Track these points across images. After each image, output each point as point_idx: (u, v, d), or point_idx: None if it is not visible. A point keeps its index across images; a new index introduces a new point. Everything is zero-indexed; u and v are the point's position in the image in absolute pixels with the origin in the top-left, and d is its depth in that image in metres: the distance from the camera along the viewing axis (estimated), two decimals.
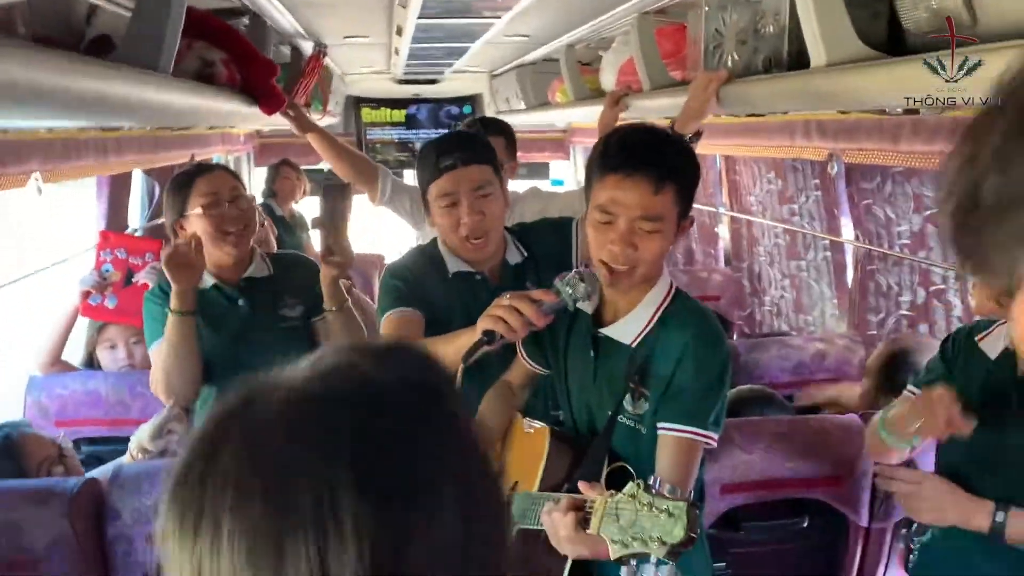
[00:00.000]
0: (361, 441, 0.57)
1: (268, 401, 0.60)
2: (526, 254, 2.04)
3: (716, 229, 4.32)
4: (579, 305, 1.59)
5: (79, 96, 1.06)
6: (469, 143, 1.97)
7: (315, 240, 5.38)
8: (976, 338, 1.69)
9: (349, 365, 0.62)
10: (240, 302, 2.16)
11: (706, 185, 4.29)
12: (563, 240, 2.10)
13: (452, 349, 1.57)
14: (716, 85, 2.08)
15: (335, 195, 2.02)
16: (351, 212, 2.04)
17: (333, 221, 1.98)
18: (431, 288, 1.93)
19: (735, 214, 3.94)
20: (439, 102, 6.19)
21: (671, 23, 2.75)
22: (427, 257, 2.00)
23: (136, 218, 3.69)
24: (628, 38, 2.86)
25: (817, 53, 1.62)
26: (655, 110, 2.78)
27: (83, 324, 2.75)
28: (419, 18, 2.47)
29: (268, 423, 0.58)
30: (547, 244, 2.08)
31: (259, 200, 4.96)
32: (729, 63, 2.17)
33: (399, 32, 2.89)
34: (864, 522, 2.03)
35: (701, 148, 3.91)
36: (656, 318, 1.59)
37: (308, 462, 0.56)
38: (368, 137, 6.25)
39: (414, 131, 6.29)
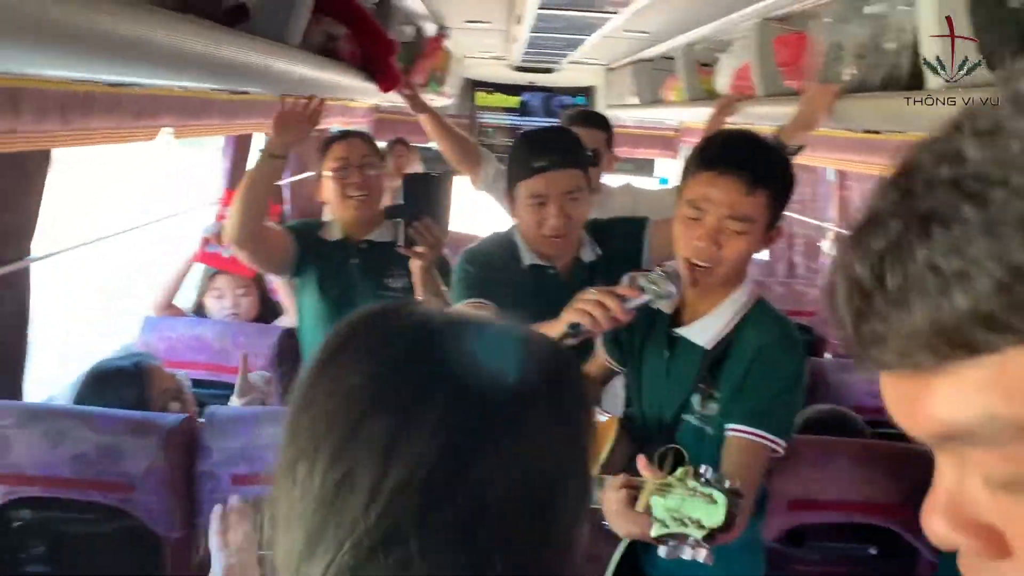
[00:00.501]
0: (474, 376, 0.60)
1: (400, 315, 0.64)
2: (599, 252, 2.05)
3: (820, 243, 4.22)
4: (660, 304, 1.59)
5: (215, 61, 1.16)
6: (563, 144, 1.96)
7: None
8: None
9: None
10: (354, 261, 2.33)
11: (816, 198, 4.20)
12: (634, 240, 2.10)
13: None
14: (829, 99, 2.05)
15: (416, 185, 2.05)
16: (445, 199, 2.06)
17: (413, 211, 2.01)
18: (504, 276, 1.94)
19: (842, 230, 3.84)
20: (553, 91, 6.22)
21: (792, 31, 2.71)
22: (504, 245, 2.01)
23: None
24: (747, 42, 2.82)
25: (937, 78, 1.58)
26: (766, 117, 2.74)
27: (194, 274, 2.93)
28: (540, 8, 2.51)
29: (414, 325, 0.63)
30: (619, 243, 2.09)
31: None
32: (846, 77, 2.13)
33: (519, 20, 2.94)
34: (935, 558, 1.97)
35: (814, 160, 3.84)
36: (734, 322, 1.61)
37: (432, 373, 0.59)
38: (480, 120, 6.35)
39: (526, 118, 6.34)
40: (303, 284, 2.39)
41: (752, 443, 1.53)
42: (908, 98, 1.68)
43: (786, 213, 1.63)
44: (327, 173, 2.34)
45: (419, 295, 2.11)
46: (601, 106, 6.06)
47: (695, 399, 1.63)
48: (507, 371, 0.61)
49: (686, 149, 6.05)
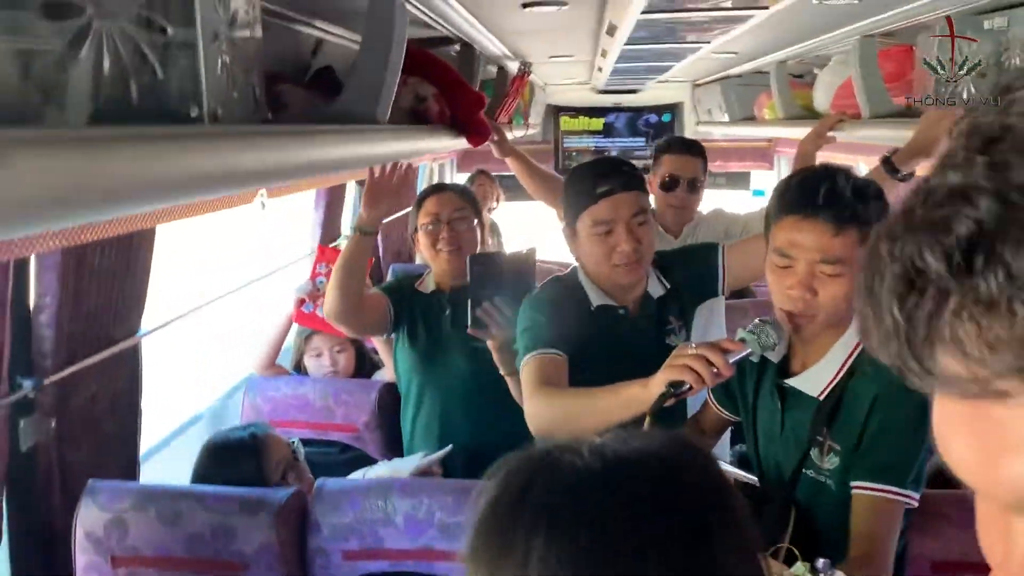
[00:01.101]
0: (666, 515, 0.64)
1: (578, 453, 0.67)
2: (668, 286, 1.94)
3: None
4: (765, 354, 1.53)
5: (313, 161, 1.14)
6: (624, 168, 1.88)
7: (507, 246, 5.51)
8: None
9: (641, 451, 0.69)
10: (447, 312, 2.33)
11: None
12: (708, 268, 1.98)
13: (618, 400, 1.51)
14: (949, 124, 1.89)
15: (480, 266, 2.04)
16: (520, 274, 2.07)
17: (479, 291, 2.02)
18: (572, 321, 1.83)
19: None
20: (639, 110, 6.12)
21: (896, 44, 2.55)
22: (568, 288, 1.91)
23: (349, 226, 3.93)
24: (847, 58, 2.68)
25: None
26: (873, 139, 2.59)
27: (293, 332, 2.96)
28: (626, 44, 2.45)
29: (579, 471, 0.66)
30: (690, 274, 1.99)
31: None
32: (965, 95, 1.99)
33: (604, 54, 2.88)
34: None
35: (922, 170, 3.62)
36: (845, 368, 1.51)
37: (620, 517, 0.63)
38: (565, 145, 6.30)
39: (611, 139, 6.26)
40: (399, 338, 2.42)
41: (883, 500, 1.43)
42: None
43: None
44: (420, 226, 2.37)
45: (503, 371, 2.09)
46: (689, 123, 5.93)
47: (815, 452, 1.54)
48: (690, 512, 0.66)
49: (783, 160, 5.84)
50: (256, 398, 2.70)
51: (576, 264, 1.94)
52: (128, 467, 2.04)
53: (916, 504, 1.46)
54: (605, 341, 1.86)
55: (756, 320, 1.50)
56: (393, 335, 2.43)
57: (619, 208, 1.79)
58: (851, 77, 2.60)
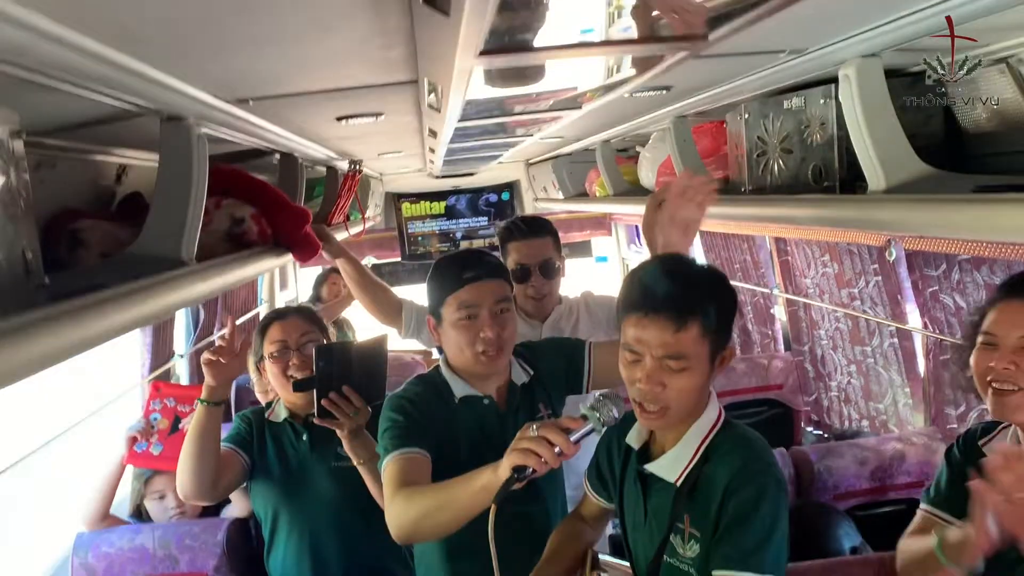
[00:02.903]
0: None
1: None
2: (532, 373, 1.97)
3: (772, 310, 4.17)
4: (627, 441, 1.56)
5: (111, 327, 1.02)
6: (489, 259, 1.92)
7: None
8: (980, 442, 1.64)
9: None
10: (303, 437, 2.26)
11: (757, 264, 4.16)
12: (572, 364, 2.02)
13: (470, 490, 1.48)
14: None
15: (325, 356, 2.02)
16: (369, 362, 2.05)
17: (325, 382, 2.00)
18: (436, 417, 1.82)
19: (790, 296, 3.79)
20: (478, 191, 6.18)
21: (710, 120, 2.66)
22: (429, 384, 1.90)
23: (182, 344, 3.68)
24: (664, 135, 2.78)
25: (875, 177, 1.51)
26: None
27: (128, 477, 2.70)
28: (450, 143, 2.43)
29: None
30: (554, 363, 2.01)
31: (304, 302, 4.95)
32: (776, 171, 2.08)
33: (432, 150, 2.86)
34: None
35: (748, 229, 3.80)
36: (700, 452, 1.52)
37: None
38: (409, 231, 6.26)
39: (454, 220, 6.27)
40: (255, 477, 2.27)
41: None
42: (849, 204, 1.62)
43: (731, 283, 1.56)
44: (268, 355, 2.25)
45: (353, 461, 2.06)
46: (527, 200, 6.04)
47: (676, 540, 1.53)
48: None
49: (621, 227, 6.04)
50: (87, 556, 2.41)
51: (438, 358, 1.94)
52: None
53: None
54: (471, 433, 1.85)
55: (597, 395, 1.49)
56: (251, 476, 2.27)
57: (483, 293, 1.82)
58: (670, 155, 2.69)
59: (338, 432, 2.03)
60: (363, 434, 2.05)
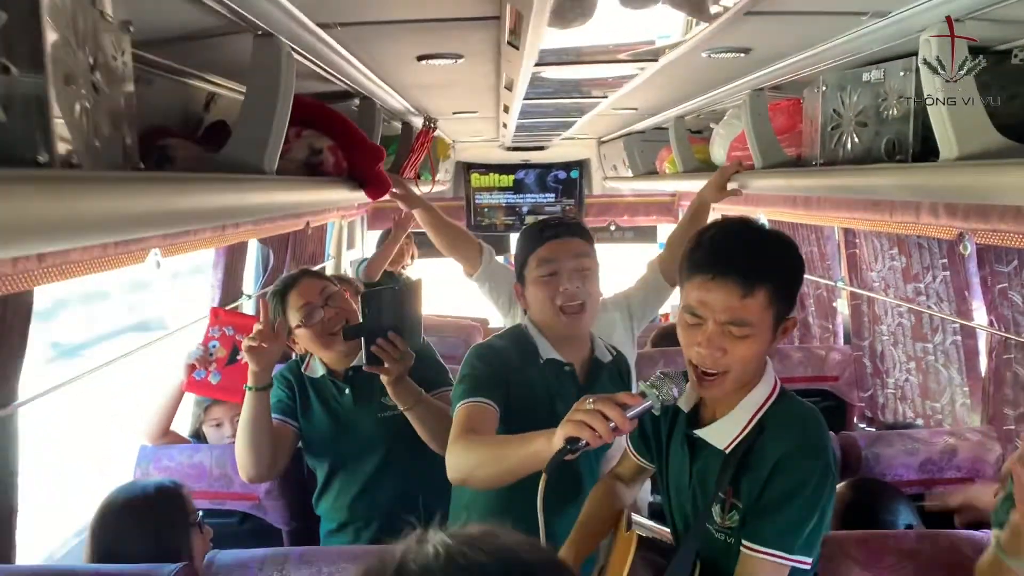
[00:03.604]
0: None
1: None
2: (614, 353, 2.02)
3: (834, 303, 4.11)
4: (677, 403, 1.50)
5: (193, 209, 1.09)
6: (570, 221, 2.00)
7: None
8: None
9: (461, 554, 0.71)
10: (346, 391, 2.26)
11: (824, 256, 4.10)
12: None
13: (523, 452, 1.48)
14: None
15: (373, 301, 2.02)
16: (410, 308, 2.05)
17: (373, 329, 1.99)
18: (518, 372, 1.86)
19: (855, 289, 3.74)
20: (547, 167, 6.22)
21: (786, 98, 2.65)
22: (518, 340, 1.95)
23: (251, 286, 3.81)
24: (740, 111, 2.77)
25: (948, 145, 1.50)
26: (767, 189, 2.67)
27: (191, 396, 2.82)
28: (525, 99, 2.47)
29: None
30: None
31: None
32: (849, 145, 2.06)
33: (506, 109, 2.90)
34: None
35: (817, 219, 3.75)
36: (753, 423, 1.50)
37: None
38: (477, 202, 6.33)
39: (521, 195, 6.33)
40: (305, 432, 2.30)
41: (769, 564, 1.42)
42: (920, 171, 1.61)
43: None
44: (294, 326, 2.23)
45: (400, 407, 2.08)
46: (596, 178, 6.05)
47: (716, 509, 1.52)
48: None
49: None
50: (149, 468, 2.54)
51: (497, 327, 1.97)
52: (4, 555, 1.87)
53: (808, 567, 1.45)
54: (551, 395, 1.87)
55: (658, 372, 1.46)
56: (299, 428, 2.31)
57: (562, 250, 1.91)
58: (744, 130, 2.69)
59: (383, 379, 2.04)
60: (407, 380, 2.06)
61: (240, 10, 1.27)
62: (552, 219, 1.99)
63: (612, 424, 1.36)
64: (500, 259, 2.89)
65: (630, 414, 1.38)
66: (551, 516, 1.39)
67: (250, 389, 2.06)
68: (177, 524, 1.94)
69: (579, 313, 1.89)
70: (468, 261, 2.76)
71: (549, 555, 0.78)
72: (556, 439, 1.39)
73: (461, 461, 1.63)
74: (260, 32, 1.45)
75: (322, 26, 1.51)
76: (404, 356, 2.02)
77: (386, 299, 2.04)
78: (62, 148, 0.85)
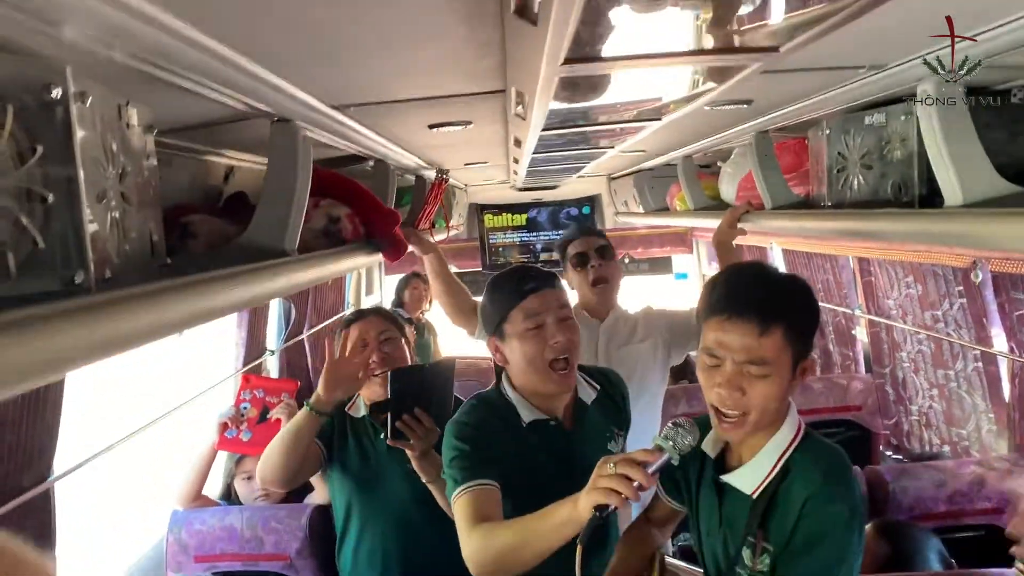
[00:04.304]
0: None
1: None
2: (599, 387, 1.95)
3: (853, 331, 4.11)
4: (704, 448, 1.55)
5: (221, 305, 1.13)
6: (542, 271, 1.90)
7: (442, 345, 5.49)
8: None
9: None
10: (382, 436, 2.27)
11: (840, 285, 4.11)
12: (623, 399, 2.02)
13: (551, 525, 1.47)
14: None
15: (401, 378, 2.07)
16: (439, 385, 2.09)
17: (399, 404, 2.04)
18: (503, 444, 1.77)
19: (873, 317, 3.74)
20: (560, 204, 6.28)
21: (791, 137, 2.68)
22: (491, 408, 1.85)
23: (273, 341, 3.87)
24: (746, 150, 2.80)
25: (952, 192, 1.52)
26: (777, 229, 2.70)
27: (221, 458, 2.87)
28: (534, 153, 2.52)
29: None
30: (618, 387, 2.02)
31: (387, 306, 5.12)
32: (855, 186, 2.09)
33: (516, 160, 2.95)
34: None
35: (827, 247, 3.76)
36: (779, 466, 1.51)
37: None
38: (491, 242, 6.39)
39: (535, 233, 6.38)
40: (333, 469, 2.35)
41: None
42: (924, 218, 1.63)
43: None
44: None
45: (425, 479, 2.09)
46: (608, 214, 6.09)
47: (746, 553, 1.52)
48: None
49: (702, 243, 6.02)
50: (181, 533, 2.58)
51: (503, 379, 1.89)
52: None
53: None
54: (543, 458, 1.81)
55: (669, 425, 1.49)
56: (328, 465, 2.35)
57: (547, 301, 1.81)
58: (751, 171, 2.72)
59: (408, 452, 2.08)
60: (432, 454, 2.08)
61: (256, 104, 1.33)
62: (528, 271, 1.88)
63: (635, 483, 1.38)
64: None
65: (651, 470, 1.41)
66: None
67: (308, 407, 2.11)
68: None
69: (568, 371, 1.81)
70: (465, 321, 2.76)
71: None
72: (582, 508, 1.41)
73: (484, 553, 1.59)
74: (277, 119, 1.50)
75: (336, 108, 1.56)
76: (430, 433, 2.04)
77: (412, 376, 2.08)
78: (95, 264, 0.90)
